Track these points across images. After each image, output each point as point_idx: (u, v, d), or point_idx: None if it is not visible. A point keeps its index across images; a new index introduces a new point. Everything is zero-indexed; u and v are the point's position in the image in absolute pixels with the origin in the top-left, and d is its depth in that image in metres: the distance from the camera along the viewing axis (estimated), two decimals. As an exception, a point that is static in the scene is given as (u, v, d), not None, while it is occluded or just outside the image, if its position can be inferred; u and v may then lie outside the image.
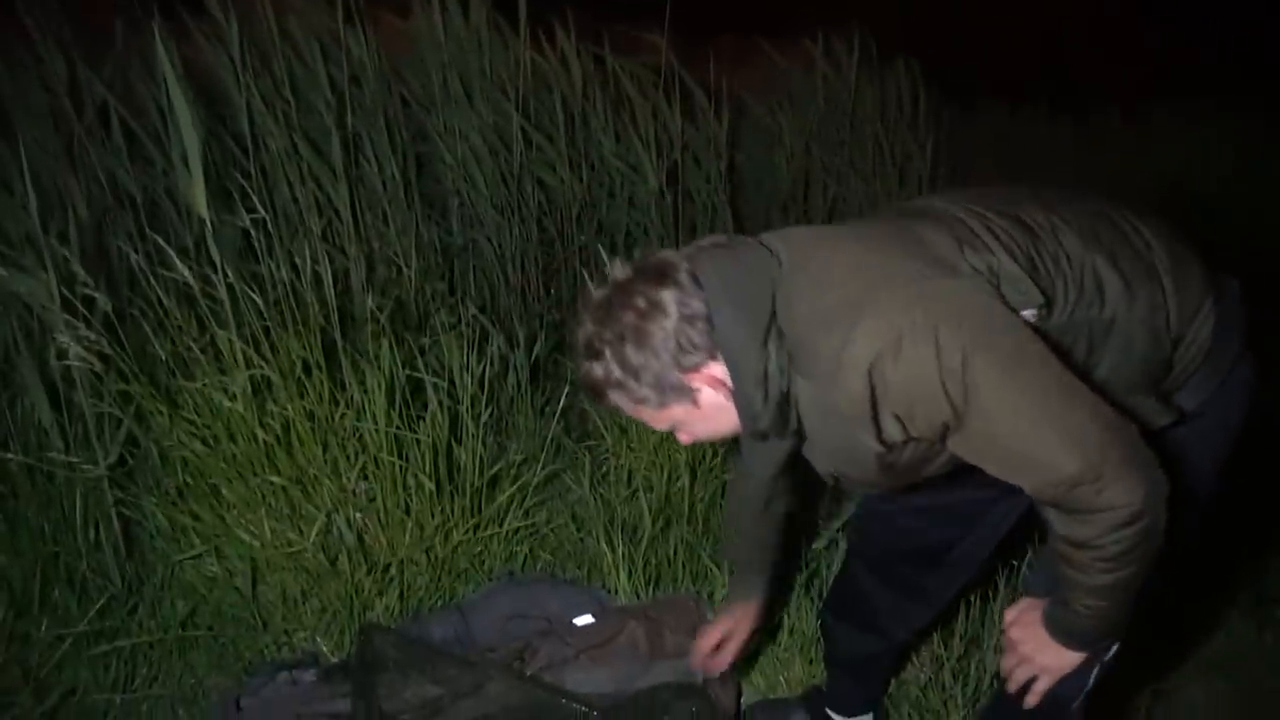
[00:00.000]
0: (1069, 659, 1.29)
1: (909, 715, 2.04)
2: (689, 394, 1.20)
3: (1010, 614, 1.37)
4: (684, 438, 1.30)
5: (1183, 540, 1.32)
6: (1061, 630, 1.27)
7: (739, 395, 1.18)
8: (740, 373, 1.16)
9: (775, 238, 1.23)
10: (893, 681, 2.07)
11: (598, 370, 1.19)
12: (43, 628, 1.81)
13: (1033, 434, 1.08)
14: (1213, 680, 2.26)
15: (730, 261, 1.18)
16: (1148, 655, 1.34)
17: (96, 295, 1.82)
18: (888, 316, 1.08)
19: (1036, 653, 1.31)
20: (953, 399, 1.07)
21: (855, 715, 1.96)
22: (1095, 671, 1.35)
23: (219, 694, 1.84)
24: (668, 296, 1.15)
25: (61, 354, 1.75)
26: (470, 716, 1.75)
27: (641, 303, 1.16)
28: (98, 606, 1.88)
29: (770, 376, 1.16)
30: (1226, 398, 1.30)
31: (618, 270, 1.21)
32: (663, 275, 1.17)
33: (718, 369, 1.18)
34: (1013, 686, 1.36)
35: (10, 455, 1.90)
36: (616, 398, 1.21)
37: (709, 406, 1.22)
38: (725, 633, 1.76)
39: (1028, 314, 1.17)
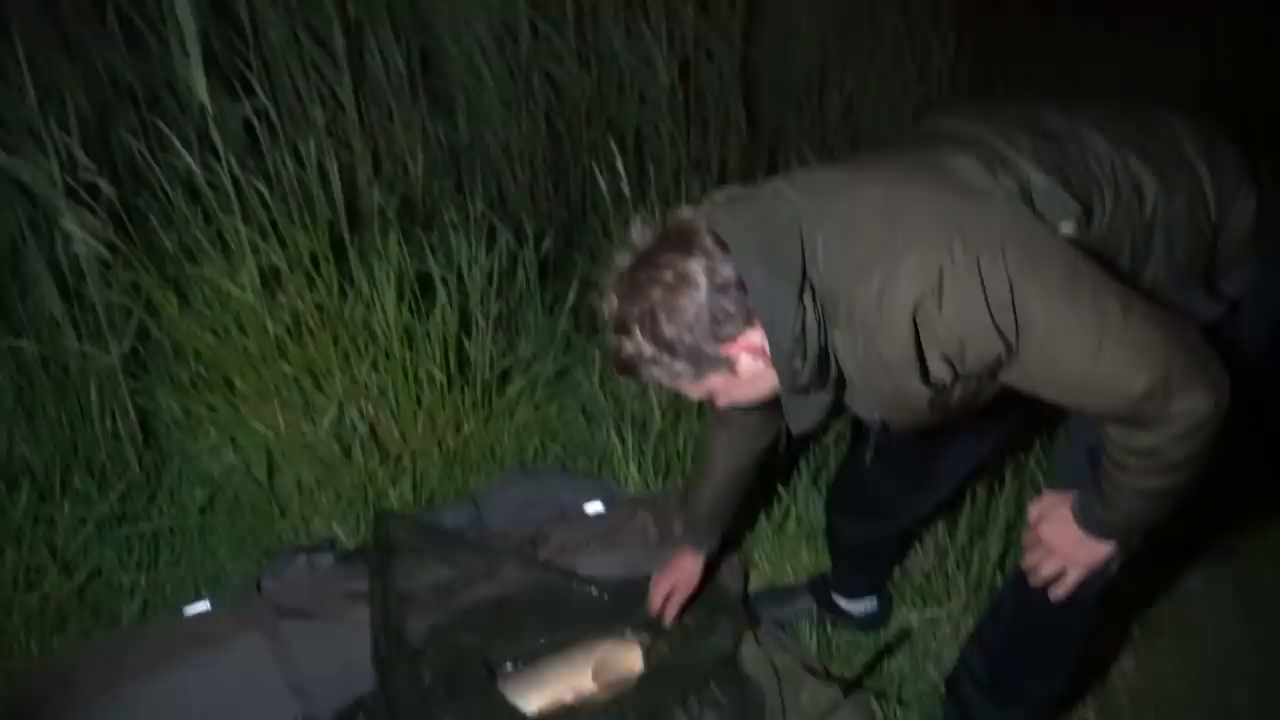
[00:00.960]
0: (1102, 553, 1.28)
1: (912, 600, 2.09)
2: (726, 363, 1.15)
3: (1035, 509, 1.35)
4: (722, 402, 1.25)
5: (1232, 432, 1.32)
6: (1096, 525, 1.25)
7: (777, 356, 1.13)
8: (777, 333, 1.11)
9: (791, 184, 1.16)
10: (897, 569, 2.11)
11: (629, 347, 1.13)
12: (65, 511, 1.85)
13: (1094, 358, 1.03)
14: (1212, 569, 2.30)
15: (753, 217, 1.12)
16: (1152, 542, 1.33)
17: (100, 182, 1.80)
18: (925, 255, 1.03)
19: (1067, 547, 1.30)
20: (1004, 333, 1.03)
21: (859, 599, 2.01)
22: (1119, 560, 1.32)
23: (240, 576, 1.89)
24: (696, 266, 1.09)
25: (68, 241, 1.74)
26: (484, 599, 1.80)
27: (669, 275, 1.09)
28: (117, 492, 1.92)
29: (808, 332, 1.10)
30: (1272, 280, 1.26)
31: (637, 235, 1.15)
32: (687, 242, 1.11)
33: (754, 335, 1.12)
34: (1037, 581, 1.35)
35: (24, 344, 1.91)
36: (651, 373, 1.16)
37: (747, 373, 1.16)
38: (672, 585, 1.76)
39: (1066, 228, 1.13)
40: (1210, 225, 1.20)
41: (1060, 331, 1.03)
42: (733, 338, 1.12)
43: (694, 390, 1.20)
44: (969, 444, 1.64)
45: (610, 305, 1.14)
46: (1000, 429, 1.62)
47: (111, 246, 1.85)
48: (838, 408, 1.28)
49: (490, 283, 2.25)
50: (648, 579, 1.86)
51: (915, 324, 1.04)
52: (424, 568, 1.78)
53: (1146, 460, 1.11)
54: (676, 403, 2.40)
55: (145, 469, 2.03)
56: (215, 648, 1.58)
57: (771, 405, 1.28)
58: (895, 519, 1.82)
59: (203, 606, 1.73)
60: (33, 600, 1.71)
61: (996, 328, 1.02)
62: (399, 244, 2.14)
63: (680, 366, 1.13)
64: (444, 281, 2.17)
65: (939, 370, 1.08)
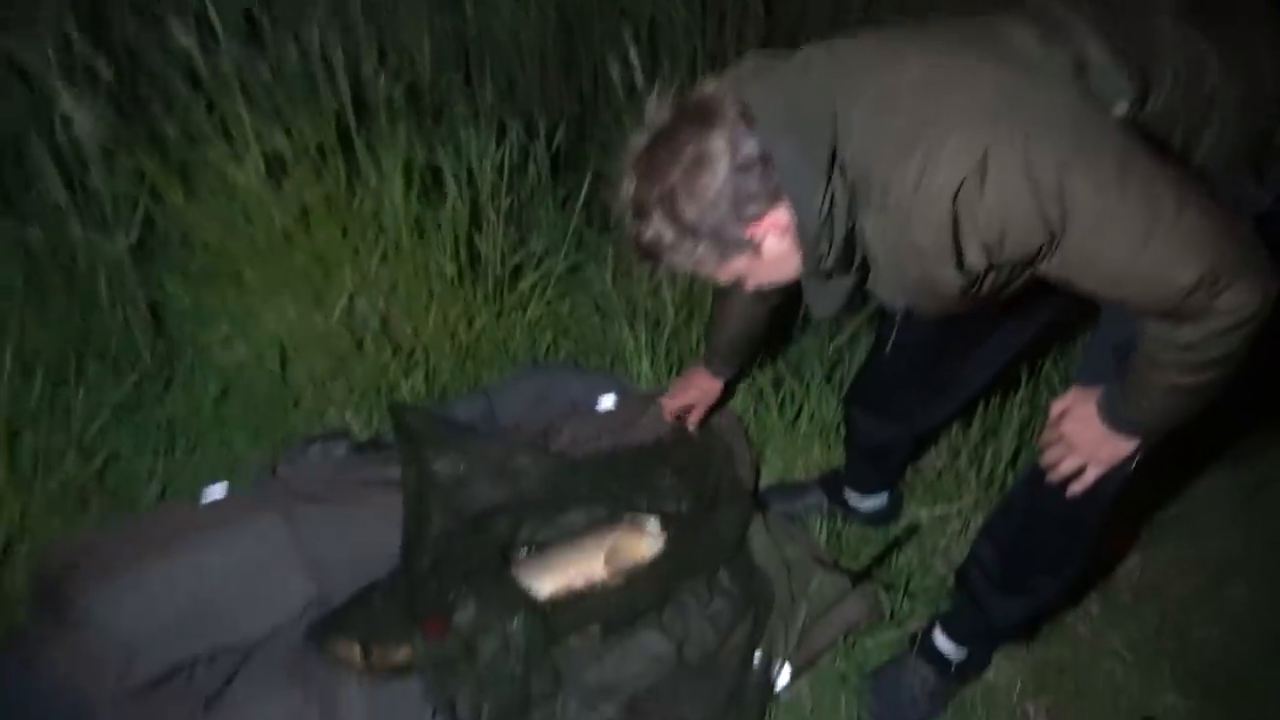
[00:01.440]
0: (1125, 449, 1.26)
1: (923, 497, 2.10)
2: (750, 246, 1.10)
3: (1058, 405, 1.33)
4: (749, 285, 1.21)
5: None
6: (1123, 421, 1.23)
7: (802, 237, 1.08)
8: (803, 213, 1.06)
9: (826, 54, 1.09)
10: (909, 466, 2.12)
11: (648, 232, 1.09)
12: (80, 397, 1.85)
13: (1141, 248, 0.99)
14: (1221, 473, 2.30)
15: (782, 88, 1.06)
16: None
17: (99, 64, 1.75)
18: (970, 135, 0.97)
19: (1090, 444, 1.28)
20: (1049, 220, 0.98)
21: (870, 495, 2.02)
22: (1139, 457, 1.30)
23: (256, 464, 1.91)
24: (717, 142, 1.04)
25: (68, 125, 1.70)
26: (497, 489, 1.82)
27: (689, 153, 1.04)
28: (131, 381, 1.92)
29: (836, 214, 1.05)
30: None
31: (656, 111, 1.09)
32: (708, 116, 1.05)
33: (780, 214, 1.07)
34: (1056, 477, 1.34)
35: (30, 231, 1.89)
36: (673, 258, 1.11)
37: (772, 255, 1.12)
38: (692, 400, 1.83)
39: (1120, 108, 1.07)
40: (1267, 113, 1.13)
41: (1107, 221, 0.98)
42: (757, 218, 1.07)
43: (718, 274, 1.16)
44: (992, 351, 1.62)
45: (628, 188, 1.10)
46: (1024, 334, 1.59)
47: (113, 132, 1.81)
48: (861, 294, 1.25)
49: (501, 176, 2.20)
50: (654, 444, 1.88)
51: (955, 210, 0.98)
52: (437, 459, 1.79)
53: (1183, 356, 1.08)
54: (690, 299, 2.37)
55: (158, 359, 2.03)
56: (233, 528, 1.61)
57: None
58: (914, 422, 1.81)
59: (219, 492, 1.76)
60: (53, 484, 1.73)
61: (1041, 215, 0.97)
62: (407, 135, 2.09)
63: (702, 250, 1.09)
64: (454, 175, 2.12)
65: (975, 259, 1.03)
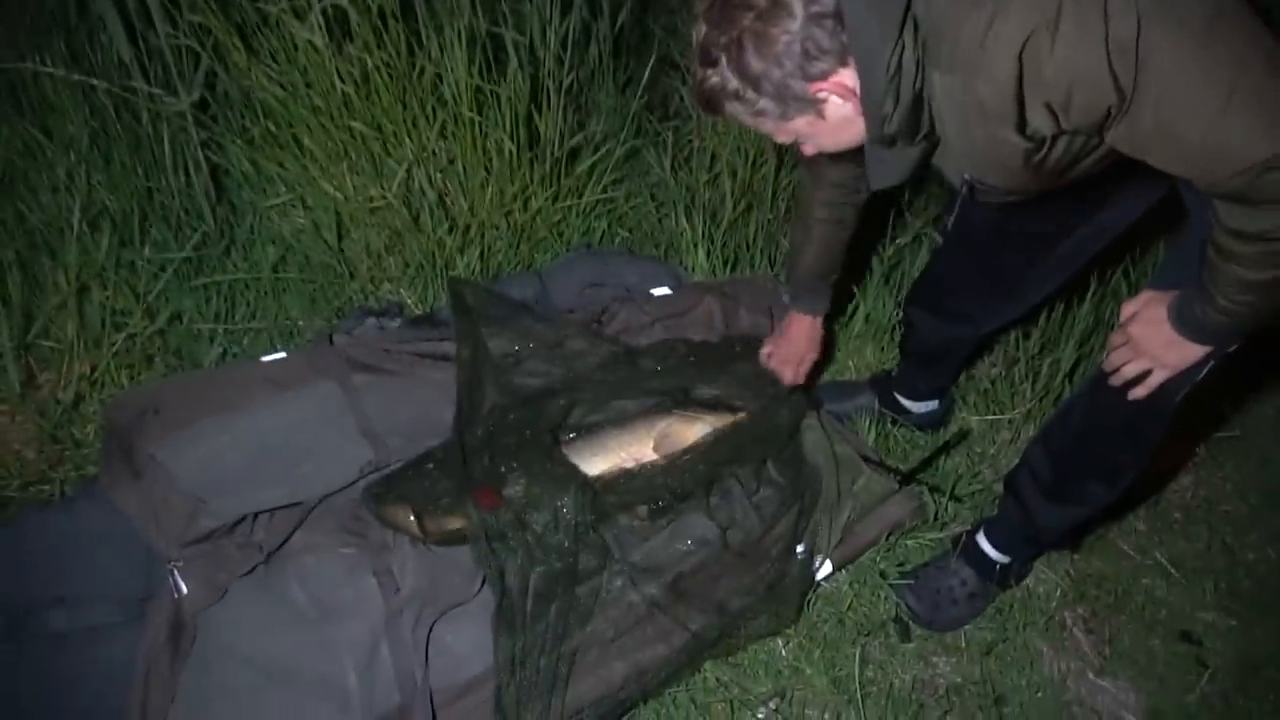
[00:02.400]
0: (1192, 354, 1.23)
1: (975, 405, 2.08)
2: (814, 105, 1.07)
3: (1130, 306, 1.29)
4: (808, 149, 1.18)
5: None
6: (1195, 326, 1.18)
7: (867, 99, 1.04)
8: (871, 73, 1.02)
9: None
10: (963, 374, 2.09)
11: (714, 78, 1.07)
12: (145, 257, 1.88)
13: (1218, 117, 0.92)
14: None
15: None
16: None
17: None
18: None
19: (1158, 347, 1.24)
20: (1119, 80, 0.92)
21: (922, 401, 2.00)
22: (1210, 365, 1.27)
23: (313, 331, 1.93)
24: None
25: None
26: (550, 370, 1.82)
27: (763, 1, 1.01)
28: (193, 243, 1.94)
29: (904, 73, 1.01)
30: None
31: None
32: None
33: (847, 75, 1.04)
34: (1119, 380, 1.31)
35: (96, 83, 1.88)
36: (733, 109, 1.10)
37: (835, 118, 1.09)
38: (799, 354, 1.76)
39: None
40: None
41: (1183, 82, 0.92)
42: (824, 75, 1.04)
43: (778, 132, 1.14)
44: (1064, 256, 1.56)
45: (698, 32, 1.07)
46: (1097, 241, 1.53)
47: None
48: (923, 169, 1.21)
49: (564, 51, 2.13)
50: (714, 343, 1.87)
51: (1021, 63, 0.94)
52: (491, 336, 1.80)
53: (1256, 246, 1.03)
54: (749, 191, 2.32)
55: (219, 223, 2.04)
56: (292, 390, 1.63)
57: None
58: (978, 324, 1.77)
59: (278, 355, 1.78)
60: (120, 339, 1.77)
61: (1112, 72, 0.92)
62: (470, 4, 2.02)
63: (765, 103, 1.08)
64: (516, 45, 2.06)
65: (1039, 121, 0.99)
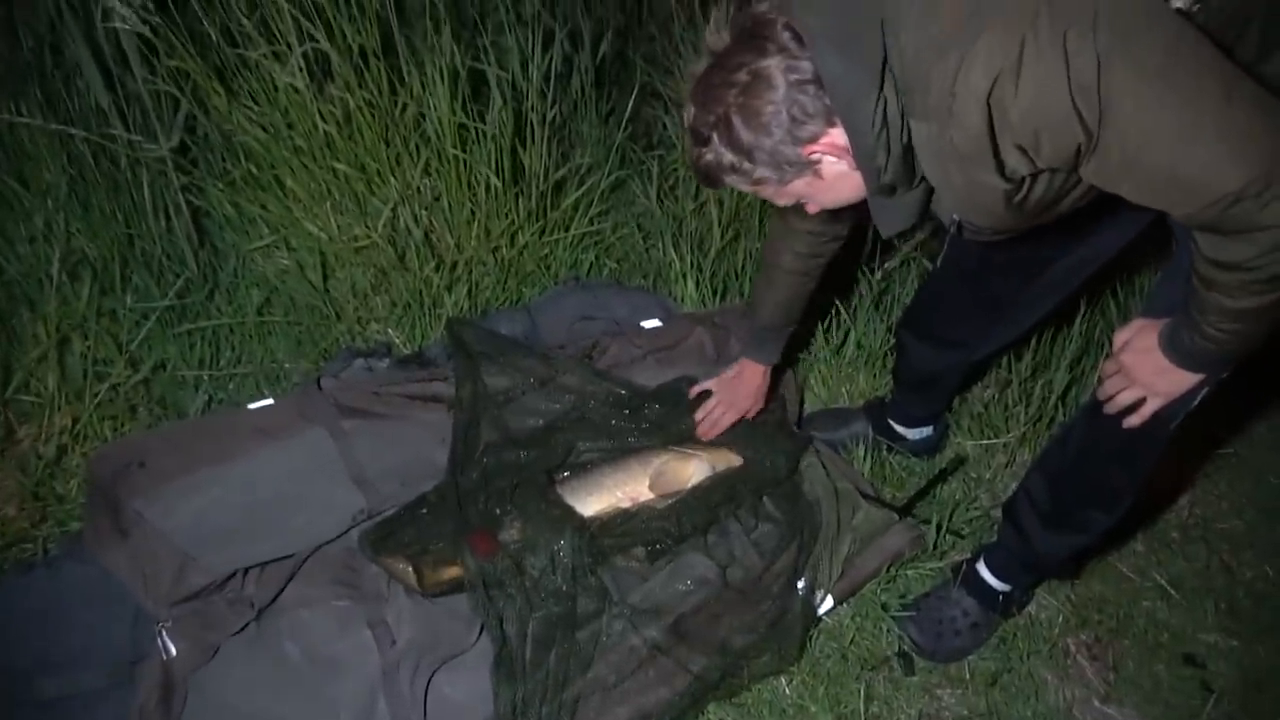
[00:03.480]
0: (1184, 381, 1.23)
1: (969, 430, 2.07)
2: (809, 166, 1.09)
3: (1122, 335, 1.29)
4: (812, 209, 1.21)
5: None
6: (1185, 354, 1.19)
7: (860, 153, 1.06)
8: (858, 129, 1.04)
9: None
10: (957, 398, 2.08)
11: (708, 155, 1.10)
12: (127, 305, 1.85)
13: (1185, 150, 0.93)
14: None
15: (832, 5, 1.02)
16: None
17: (136, -44, 1.68)
18: (1006, 30, 0.91)
19: (1150, 375, 1.24)
20: (1085, 118, 0.92)
21: (916, 427, 1.99)
22: (1204, 392, 1.27)
23: (300, 375, 1.90)
24: (771, 64, 1.03)
25: (107, 17, 1.64)
26: (543, 408, 1.81)
27: (744, 76, 1.04)
28: (175, 287, 1.91)
29: (890, 125, 1.03)
30: None
31: (712, 38, 1.08)
32: (762, 39, 1.03)
33: (837, 135, 1.06)
34: (1114, 408, 1.31)
35: (74, 131, 1.85)
36: (733, 180, 1.12)
37: (832, 176, 1.11)
38: (740, 406, 1.77)
39: (1181, 2, 1.00)
40: None
41: (1146, 119, 0.93)
42: (814, 138, 1.06)
43: (779, 196, 1.17)
44: (1056, 280, 1.56)
45: (688, 114, 1.11)
46: (1089, 266, 1.53)
47: (153, 29, 1.75)
48: (926, 211, 1.21)
49: (546, 85, 2.13)
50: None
51: (989, 109, 0.94)
52: (493, 375, 1.78)
53: (1237, 275, 1.03)
54: (736, 220, 2.31)
55: (202, 267, 2.01)
56: (281, 439, 1.61)
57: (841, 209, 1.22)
58: (972, 349, 1.76)
59: (266, 402, 1.75)
60: (102, 390, 1.74)
61: (1077, 112, 0.92)
62: (451, 41, 2.01)
63: (762, 172, 1.10)
64: (499, 81, 2.05)
65: (1014, 162, 1.00)
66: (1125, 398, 1.30)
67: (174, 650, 1.35)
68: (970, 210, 1.13)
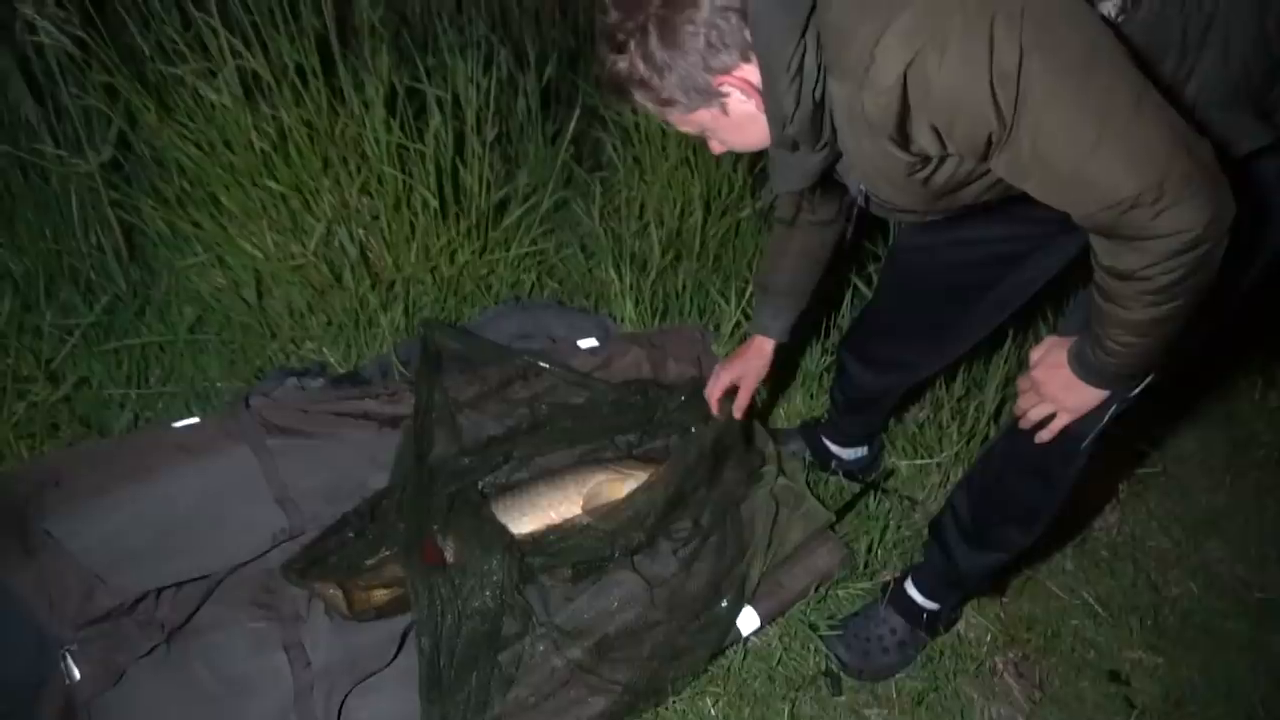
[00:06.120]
0: (1090, 397, 1.25)
1: (903, 449, 2.09)
2: (717, 98, 1.08)
3: (1036, 352, 1.31)
4: (715, 146, 1.20)
5: (1241, 287, 1.23)
6: (1087, 368, 1.21)
7: (769, 97, 1.06)
8: (773, 71, 1.03)
9: None
10: (891, 418, 2.10)
11: (621, 64, 1.07)
12: (49, 321, 1.82)
13: (1091, 149, 0.95)
14: (1208, 430, 2.29)
15: None
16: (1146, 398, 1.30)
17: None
18: (935, 5, 0.93)
19: (1057, 390, 1.27)
20: (1001, 108, 0.94)
21: (852, 447, 2.00)
22: (1112, 410, 1.30)
23: (232, 394, 1.88)
24: None
25: (33, 30, 1.63)
26: (480, 424, 1.79)
27: None
28: (103, 304, 1.89)
29: (806, 76, 1.03)
30: None
31: None
32: None
33: (750, 71, 1.06)
34: (1027, 424, 1.34)
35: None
36: (641, 96, 1.10)
37: (738, 114, 1.11)
38: (737, 378, 1.71)
39: (1108, 7, 1.03)
40: (1278, 39, 1.07)
41: (1060, 115, 0.94)
42: (727, 69, 1.06)
43: (684, 124, 1.15)
44: (998, 300, 1.58)
45: (608, 16, 1.07)
46: (1032, 286, 1.56)
47: (82, 44, 1.74)
48: (827, 179, 1.22)
49: (488, 106, 2.14)
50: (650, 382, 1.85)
51: (905, 82, 0.95)
52: (461, 381, 1.76)
53: (1131, 284, 1.05)
54: (677, 241, 2.33)
55: (132, 284, 1.99)
56: (202, 459, 1.57)
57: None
58: (914, 370, 1.79)
59: (191, 421, 1.73)
60: (21, 408, 1.71)
61: (994, 99, 0.93)
62: (392, 61, 2.02)
63: (669, 92, 1.08)
64: (439, 103, 2.06)
65: (924, 140, 1.00)
66: (1036, 413, 1.33)
67: (78, 674, 1.32)
68: (876, 180, 1.13)
